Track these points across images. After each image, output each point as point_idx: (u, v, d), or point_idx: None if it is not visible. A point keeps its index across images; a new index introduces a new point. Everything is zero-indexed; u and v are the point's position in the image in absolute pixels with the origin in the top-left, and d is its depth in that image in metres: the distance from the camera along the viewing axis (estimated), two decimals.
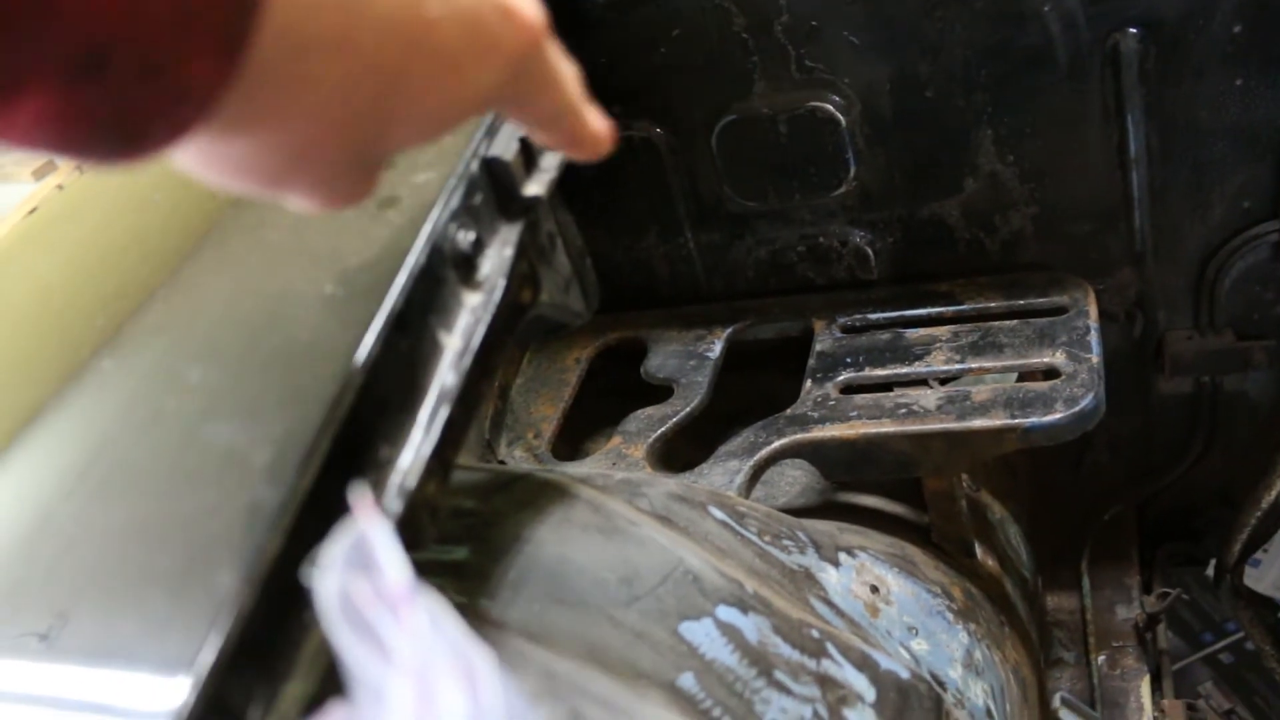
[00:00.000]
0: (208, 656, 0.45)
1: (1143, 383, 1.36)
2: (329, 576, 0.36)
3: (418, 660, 0.35)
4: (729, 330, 1.30)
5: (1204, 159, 1.19)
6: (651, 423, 1.19)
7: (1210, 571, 1.55)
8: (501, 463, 1.23)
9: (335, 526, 0.44)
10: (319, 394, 0.55)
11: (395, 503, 0.55)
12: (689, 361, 1.27)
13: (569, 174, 0.80)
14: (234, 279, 0.67)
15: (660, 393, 1.25)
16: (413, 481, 0.56)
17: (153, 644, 0.47)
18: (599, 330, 1.35)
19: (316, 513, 0.51)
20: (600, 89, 1.24)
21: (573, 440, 1.29)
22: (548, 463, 1.21)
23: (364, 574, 0.36)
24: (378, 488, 0.55)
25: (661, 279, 1.39)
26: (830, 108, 1.22)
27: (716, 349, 1.28)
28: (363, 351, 0.57)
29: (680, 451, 1.20)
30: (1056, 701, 0.82)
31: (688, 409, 1.20)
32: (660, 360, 1.28)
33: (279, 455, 0.53)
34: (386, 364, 0.58)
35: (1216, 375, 1.34)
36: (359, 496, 0.40)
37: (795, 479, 1.23)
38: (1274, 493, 1.32)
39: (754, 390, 1.28)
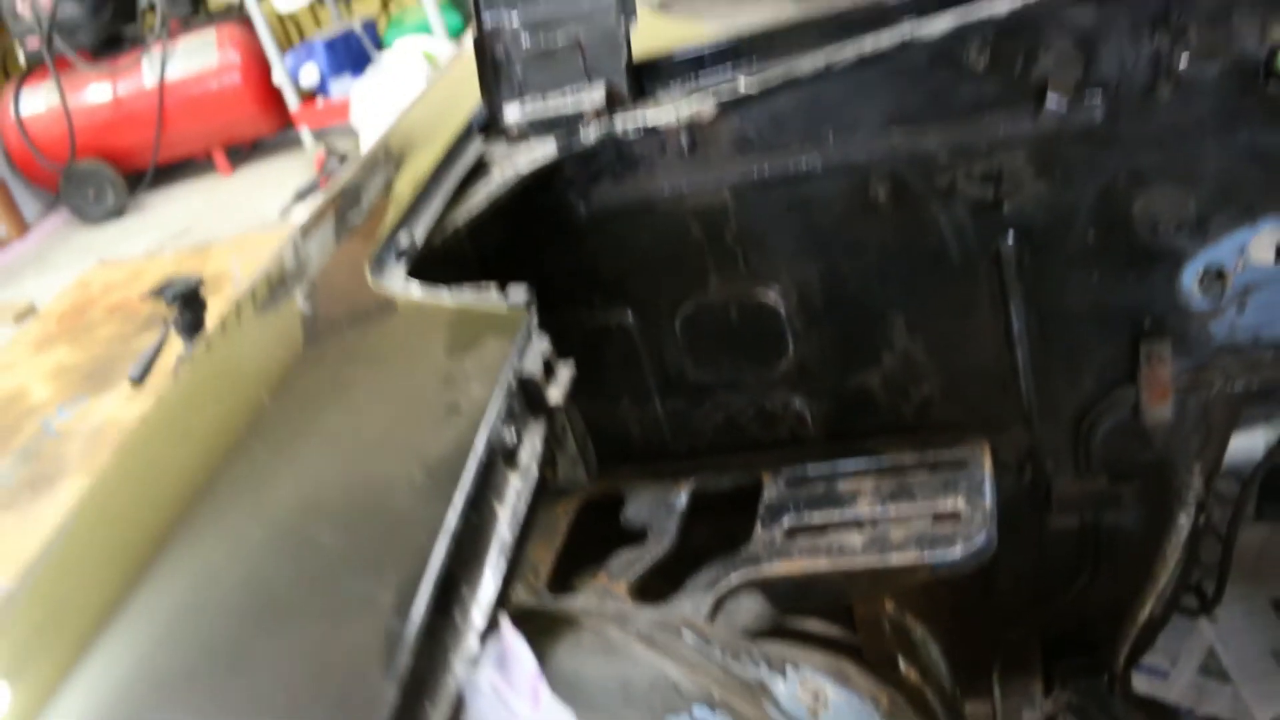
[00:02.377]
0: None
1: (1036, 521, 1.62)
2: (483, 672, 0.60)
3: None
4: (692, 483, 1.55)
5: (1073, 337, 1.46)
6: (631, 562, 1.43)
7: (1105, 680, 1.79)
8: (510, 600, 1.47)
9: (456, 642, 0.69)
10: (422, 553, 0.80)
11: (477, 627, 0.80)
12: (660, 510, 1.51)
13: None
14: (345, 468, 0.92)
15: (637, 536, 1.49)
16: (486, 613, 0.81)
17: None
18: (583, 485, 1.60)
19: (429, 636, 0.76)
20: (584, 283, 1.54)
21: (565, 577, 1.53)
22: (546, 598, 1.45)
23: (499, 670, 0.61)
24: (463, 618, 0.80)
25: (635, 440, 1.64)
26: (772, 298, 1.49)
27: (683, 499, 1.53)
28: (449, 521, 0.82)
29: (655, 585, 1.44)
30: None
31: (661, 551, 1.44)
32: (636, 509, 1.53)
33: (400, 597, 0.77)
34: (464, 530, 0.83)
35: (1095, 512, 1.60)
36: (503, 620, 0.65)
37: (750, 607, 1.47)
38: (1147, 610, 1.58)
39: (715, 531, 1.52)
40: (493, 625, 0.83)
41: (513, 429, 0.93)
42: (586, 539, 1.54)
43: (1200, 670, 2.68)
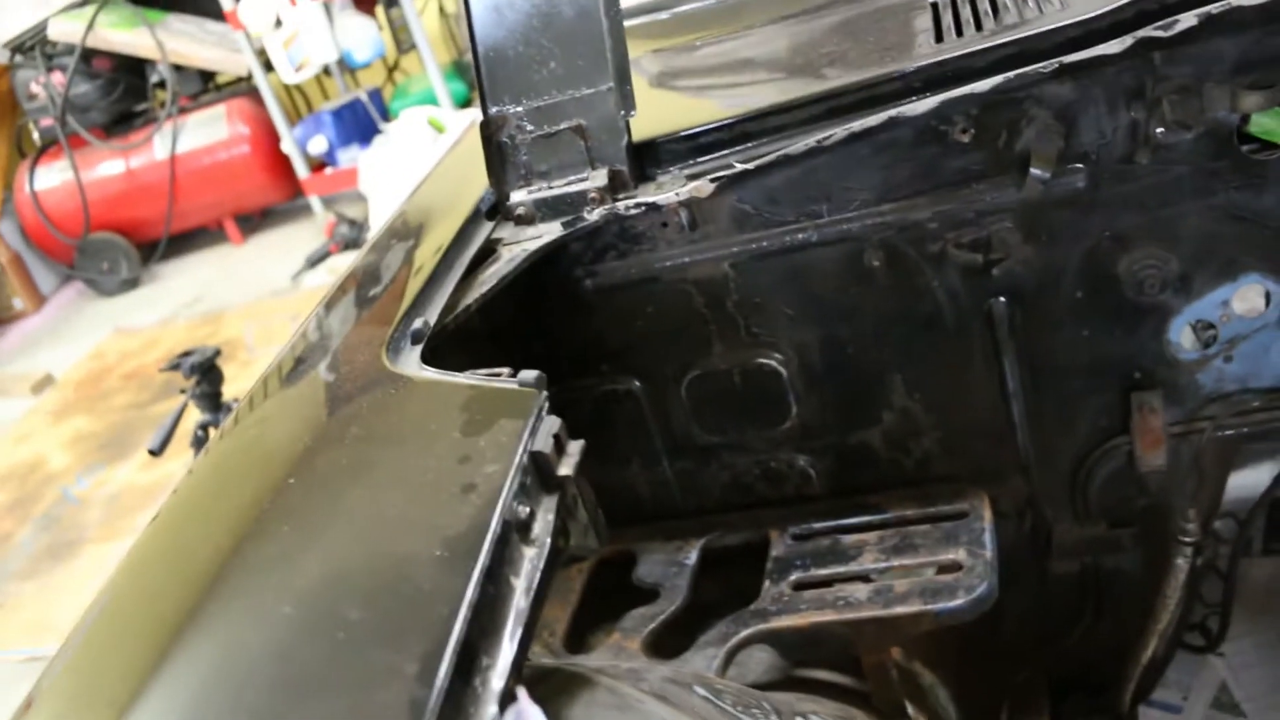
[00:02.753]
0: None
1: (1038, 567, 1.66)
2: None
3: None
4: (702, 541, 1.60)
5: (1066, 391, 1.52)
6: (644, 620, 1.48)
7: None
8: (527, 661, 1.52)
9: (477, 709, 0.74)
10: (443, 624, 0.85)
11: (495, 694, 0.85)
12: (671, 568, 1.57)
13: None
14: (366, 545, 0.97)
15: (649, 595, 1.54)
16: (504, 680, 0.86)
17: None
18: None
19: (450, 703, 0.81)
20: (592, 353, 1.60)
21: (579, 635, 1.57)
22: (562, 656, 1.50)
23: None
24: (483, 685, 0.85)
25: (644, 500, 1.70)
26: (774, 363, 1.55)
27: (693, 557, 1.58)
28: (468, 595, 0.87)
29: (668, 641, 1.49)
30: None
31: (672, 608, 1.49)
32: (647, 568, 1.58)
33: (423, 667, 0.83)
34: (481, 603, 0.88)
35: (1095, 557, 1.65)
36: (520, 690, 0.70)
37: (761, 660, 1.52)
38: (1149, 650, 1.62)
39: (725, 586, 1.57)
40: (512, 695, 0.88)
41: (526, 505, 0.99)
42: (600, 597, 1.59)
43: (1213, 705, 2.70)
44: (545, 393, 1.08)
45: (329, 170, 6.85)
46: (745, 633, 1.41)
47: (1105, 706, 1.81)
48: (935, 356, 1.52)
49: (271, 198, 7.39)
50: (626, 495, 1.70)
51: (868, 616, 1.37)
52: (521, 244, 1.46)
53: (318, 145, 6.74)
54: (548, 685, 1.12)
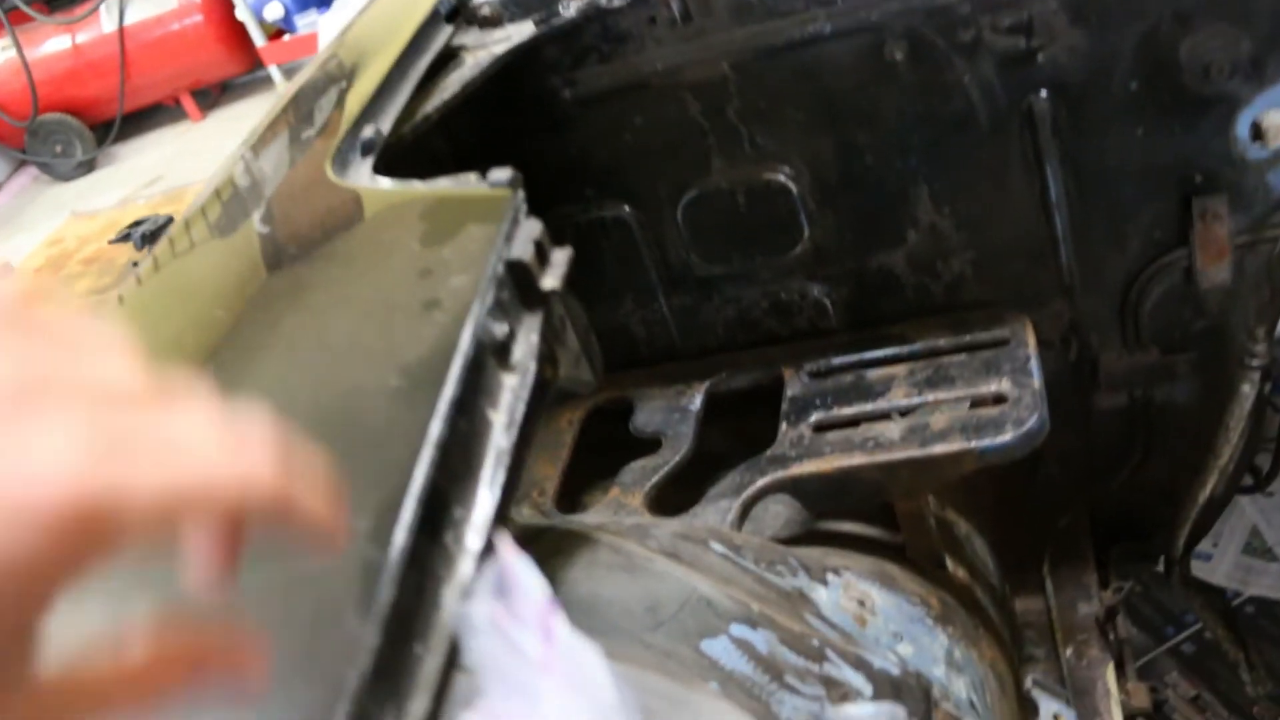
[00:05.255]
0: (352, 682, 0.57)
1: (1083, 400, 1.50)
2: (479, 604, 0.47)
3: (567, 663, 0.47)
4: (706, 384, 1.43)
5: (1117, 199, 1.33)
6: (645, 473, 1.31)
7: (1161, 566, 1.68)
8: (512, 520, 1.35)
9: (449, 571, 0.56)
10: (401, 470, 0.67)
11: (472, 551, 0.67)
12: (673, 415, 1.39)
13: None
14: (308, 376, 0.79)
15: (649, 446, 1.37)
16: (482, 535, 0.68)
17: (299, 679, 0.58)
18: (588, 393, 1.48)
19: (414, 565, 0.63)
20: (574, 175, 1.40)
21: (572, 495, 1.41)
22: (554, 517, 1.33)
23: (501, 600, 0.48)
24: (456, 542, 0.67)
25: (640, 341, 1.51)
26: (782, 178, 1.36)
27: (697, 402, 1.41)
28: (434, 432, 0.69)
29: (673, 497, 1.32)
30: (1029, 684, 0.94)
31: (677, 458, 1.32)
32: (646, 416, 1.41)
33: (378, 522, 0.65)
34: (452, 440, 0.70)
35: (1146, 388, 1.48)
36: (501, 539, 0.52)
37: (779, 513, 1.36)
38: (1208, 489, 1.46)
39: (735, 436, 1.40)
40: (490, 549, 0.71)
41: (504, 323, 0.80)
42: (595, 452, 1.42)
43: (1244, 550, 2.58)
44: (521, 192, 0.89)
45: (287, 37, 6.53)
46: (762, 482, 1.24)
47: (1154, 553, 1.66)
48: (967, 164, 1.33)
49: (229, 70, 7.07)
50: (620, 337, 1.51)
51: (902, 458, 1.20)
52: (488, 49, 1.26)
53: (274, 11, 6.41)
54: (539, 546, 0.94)
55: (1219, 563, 2.54)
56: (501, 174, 0.92)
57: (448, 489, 0.69)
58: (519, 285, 0.83)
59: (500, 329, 0.79)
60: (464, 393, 0.73)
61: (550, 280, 0.85)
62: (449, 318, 0.78)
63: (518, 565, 0.50)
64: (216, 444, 0.41)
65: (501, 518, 0.73)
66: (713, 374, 1.44)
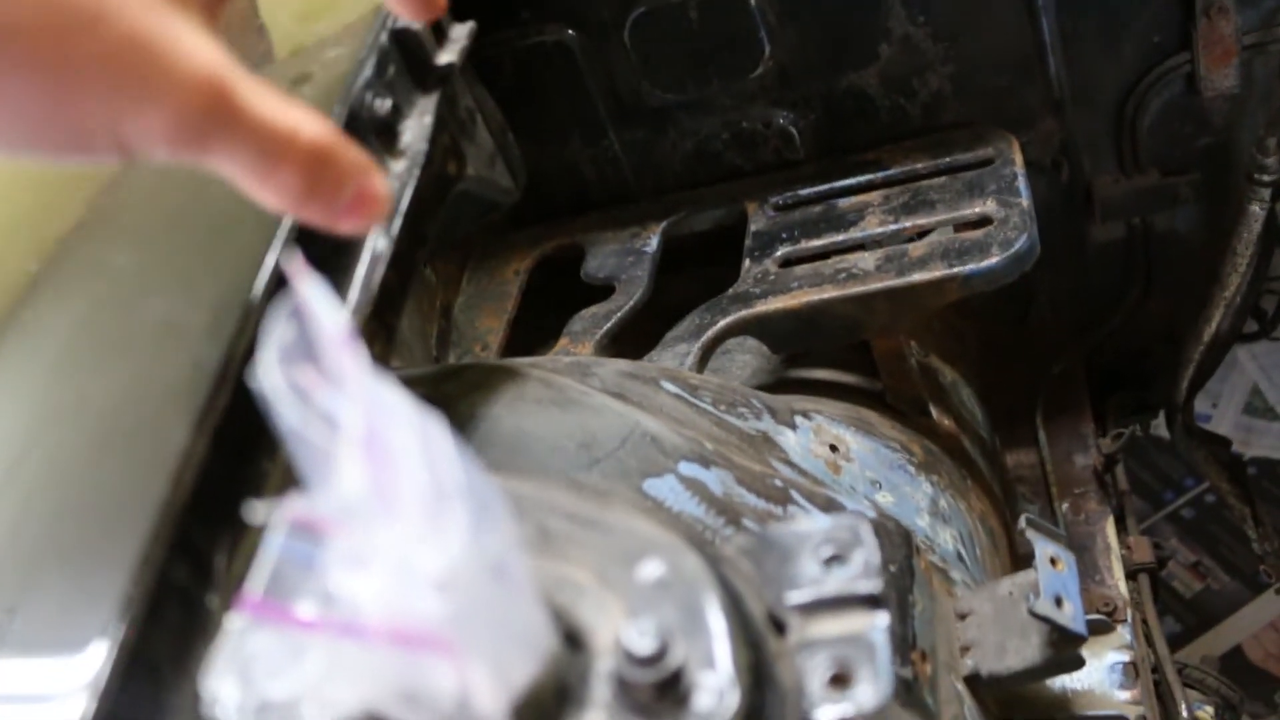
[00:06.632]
0: (165, 498, 0.45)
1: (1076, 233, 1.37)
2: (272, 370, 0.35)
3: (366, 416, 0.35)
4: (663, 224, 1.29)
5: None
6: (596, 320, 1.19)
7: (1163, 420, 1.57)
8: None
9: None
10: (251, 259, 0.54)
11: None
12: (627, 259, 1.26)
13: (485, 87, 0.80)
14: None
15: (602, 293, 1.24)
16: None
17: (111, 491, 0.46)
18: (535, 241, 1.34)
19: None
20: None
21: (520, 351, 1.28)
22: None
23: (306, 359, 0.36)
24: None
25: (590, 183, 1.38)
26: None
27: (653, 244, 1.27)
28: (289, 217, 0.56)
29: (627, 349, 1.20)
30: (1022, 523, 0.83)
31: (630, 303, 1.19)
32: (599, 261, 1.28)
33: (215, 319, 0.52)
34: (308, 233, 0.57)
35: (1146, 215, 1.35)
36: (289, 259, 0.40)
37: (745, 362, 1.23)
38: (1214, 325, 1.34)
39: (695, 284, 1.27)
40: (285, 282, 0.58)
41: (389, 100, 0.66)
42: (545, 304, 1.30)
43: (1245, 410, 2.48)
44: None
45: None
46: (724, 322, 1.11)
47: (1155, 402, 1.55)
48: None
49: None
50: (567, 179, 1.37)
51: (879, 289, 1.07)
52: None
53: None
54: (459, 380, 0.82)
55: (1218, 424, 2.44)
56: None
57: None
58: (409, 59, 0.70)
59: (384, 105, 0.65)
60: None
61: (448, 55, 0.71)
62: (319, 91, 0.65)
63: (306, 290, 0.37)
64: None
65: (387, 330, 0.61)
66: (670, 214, 1.31)
